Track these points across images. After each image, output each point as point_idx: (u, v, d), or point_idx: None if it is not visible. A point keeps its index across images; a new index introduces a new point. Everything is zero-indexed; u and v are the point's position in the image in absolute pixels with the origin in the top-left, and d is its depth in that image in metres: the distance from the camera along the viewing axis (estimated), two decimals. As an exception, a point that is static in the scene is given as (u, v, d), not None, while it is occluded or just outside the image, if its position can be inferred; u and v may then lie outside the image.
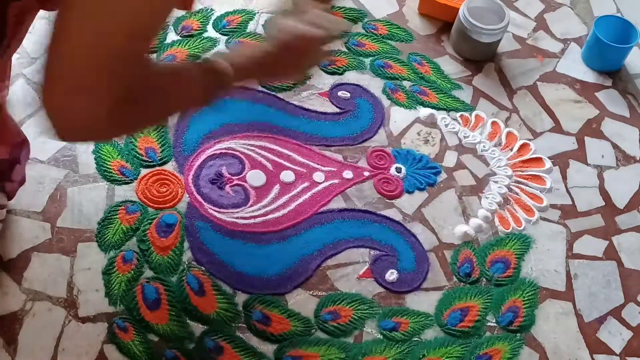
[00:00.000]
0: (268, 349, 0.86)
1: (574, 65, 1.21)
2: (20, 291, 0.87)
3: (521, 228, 1.00)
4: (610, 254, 0.99)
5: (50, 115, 0.63)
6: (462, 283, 0.94)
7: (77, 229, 0.92)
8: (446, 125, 1.09)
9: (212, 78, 0.76)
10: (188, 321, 0.87)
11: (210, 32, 1.16)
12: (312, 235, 0.96)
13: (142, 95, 0.68)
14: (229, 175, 1.00)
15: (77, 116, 0.63)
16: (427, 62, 1.17)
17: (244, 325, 0.87)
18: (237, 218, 0.96)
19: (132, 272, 0.89)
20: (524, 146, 1.09)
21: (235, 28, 1.17)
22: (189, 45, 1.14)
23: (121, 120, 0.66)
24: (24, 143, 0.87)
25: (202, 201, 0.97)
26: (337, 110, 1.09)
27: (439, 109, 1.11)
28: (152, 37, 0.66)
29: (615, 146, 1.11)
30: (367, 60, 1.16)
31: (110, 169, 0.98)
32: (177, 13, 1.18)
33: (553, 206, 1.03)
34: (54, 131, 0.64)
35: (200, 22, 1.17)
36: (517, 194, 1.04)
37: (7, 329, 0.84)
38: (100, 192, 0.96)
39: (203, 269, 0.91)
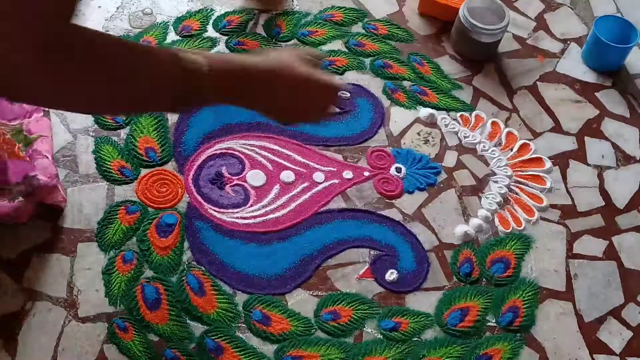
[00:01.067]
0: (268, 349, 0.86)
1: (574, 65, 1.21)
2: (20, 291, 0.87)
3: (521, 228, 1.00)
4: (610, 254, 0.99)
5: None
6: (462, 283, 0.94)
7: (77, 229, 0.92)
8: (446, 125, 1.09)
9: (184, 75, 0.65)
10: (188, 321, 0.87)
11: (210, 32, 1.16)
12: (312, 235, 0.96)
13: (81, 53, 0.61)
14: (229, 175, 1.00)
15: None
16: (427, 62, 1.17)
17: (244, 325, 0.87)
18: (237, 218, 0.96)
19: (132, 272, 0.89)
20: (524, 146, 1.09)
21: (235, 28, 1.17)
22: (189, 45, 1.14)
23: (56, 76, 0.59)
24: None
25: (202, 201, 0.97)
26: (337, 110, 1.09)
27: (439, 109, 1.11)
28: None
29: (615, 146, 1.11)
30: (367, 60, 1.16)
31: (110, 169, 0.98)
32: (177, 13, 1.19)
33: (553, 206, 1.03)
34: None
35: (200, 22, 1.17)
36: (517, 194, 1.04)
37: (7, 329, 0.84)
38: (100, 192, 0.96)
39: (203, 269, 0.91)
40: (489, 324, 0.91)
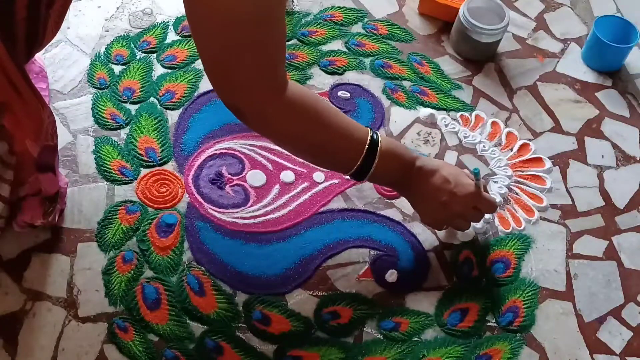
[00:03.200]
0: (268, 349, 0.86)
1: (574, 65, 1.21)
2: (20, 291, 0.87)
3: (521, 228, 1.00)
4: (610, 254, 0.99)
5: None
6: (462, 283, 0.94)
7: (77, 229, 0.92)
8: (446, 125, 1.09)
9: (368, 153, 0.81)
10: (188, 321, 0.87)
11: (210, 32, 1.16)
12: (312, 235, 0.96)
13: (292, 101, 0.75)
14: (229, 175, 1.00)
15: (225, 97, 0.73)
16: (427, 62, 1.17)
17: (244, 325, 0.87)
18: (237, 218, 0.96)
19: (132, 272, 0.89)
20: (524, 146, 1.09)
21: (235, 28, 1.17)
22: (189, 45, 1.14)
23: (267, 117, 0.75)
24: (55, 150, 0.86)
25: (202, 201, 0.97)
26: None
27: (439, 109, 1.11)
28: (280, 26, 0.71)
29: (615, 146, 1.11)
30: (367, 60, 1.16)
31: (110, 169, 0.98)
32: (177, 13, 1.19)
33: (553, 206, 1.03)
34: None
35: (200, 22, 1.17)
36: (517, 194, 1.04)
37: (7, 329, 0.84)
38: (100, 192, 0.96)
39: (203, 269, 0.91)
40: (489, 324, 0.91)
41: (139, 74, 1.09)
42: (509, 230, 0.99)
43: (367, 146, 0.81)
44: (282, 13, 0.71)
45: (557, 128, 1.12)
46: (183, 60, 1.12)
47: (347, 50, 1.17)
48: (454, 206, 0.87)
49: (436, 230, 0.97)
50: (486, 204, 0.89)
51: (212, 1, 0.64)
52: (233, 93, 0.73)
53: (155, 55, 1.12)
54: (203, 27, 0.67)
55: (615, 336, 0.92)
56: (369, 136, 0.82)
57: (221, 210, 0.96)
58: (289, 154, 1.02)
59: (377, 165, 0.82)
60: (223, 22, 0.65)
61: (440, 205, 0.87)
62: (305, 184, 1.00)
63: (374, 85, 1.13)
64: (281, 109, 0.75)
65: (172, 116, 1.05)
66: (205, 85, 1.09)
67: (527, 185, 1.05)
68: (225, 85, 0.72)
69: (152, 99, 1.07)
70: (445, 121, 1.10)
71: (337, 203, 0.99)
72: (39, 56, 1.06)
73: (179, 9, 1.19)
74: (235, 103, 0.74)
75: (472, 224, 0.98)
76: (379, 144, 0.82)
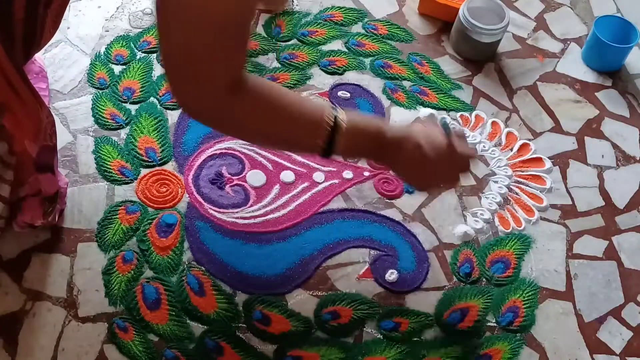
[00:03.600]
0: (268, 349, 0.86)
1: (574, 65, 1.21)
2: (20, 291, 0.87)
3: (521, 228, 1.00)
4: (610, 254, 0.99)
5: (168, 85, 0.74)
6: (462, 283, 0.94)
7: (77, 229, 0.92)
8: (446, 125, 1.09)
9: (327, 133, 0.78)
10: (188, 321, 0.87)
11: (210, 32, 1.16)
12: (312, 235, 0.96)
13: (249, 101, 0.74)
14: (229, 175, 1.00)
15: (182, 96, 0.72)
16: (427, 62, 1.17)
17: (244, 325, 0.87)
18: (237, 218, 0.96)
19: (132, 272, 0.89)
20: (524, 146, 1.09)
21: (235, 28, 1.17)
22: (189, 45, 1.13)
23: (226, 113, 0.74)
24: (54, 150, 0.86)
25: (202, 201, 0.97)
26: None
27: (439, 109, 1.11)
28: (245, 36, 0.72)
29: (615, 146, 1.11)
30: (367, 60, 1.16)
31: (110, 169, 0.98)
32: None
33: (553, 206, 1.03)
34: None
35: (200, 22, 1.17)
36: (517, 194, 1.04)
37: (7, 329, 0.84)
38: (100, 192, 0.96)
39: (203, 269, 0.91)
40: (489, 324, 0.91)
41: (139, 74, 1.09)
42: (509, 230, 0.99)
43: (329, 128, 0.78)
44: (250, 19, 0.72)
45: (557, 128, 1.12)
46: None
47: (347, 50, 1.17)
48: (434, 169, 0.84)
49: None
50: (462, 156, 0.85)
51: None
52: (193, 92, 0.71)
53: (155, 55, 1.12)
54: (174, 23, 0.66)
55: (615, 336, 0.92)
56: (331, 116, 0.79)
57: (221, 210, 0.96)
58: (289, 154, 1.02)
59: (345, 143, 0.79)
60: (197, 20, 0.65)
61: (421, 171, 0.84)
62: (305, 184, 1.00)
63: (374, 85, 1.13)
64: (240, 105, 0.74)
65: (172, 116, 1.05)
66: (205, 85, 1.08)
67: (527, 185, 1.05)
68: (186, 84, 0.71)
69: (152, 99, 1.07)
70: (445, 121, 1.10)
71: (337, 203, 0.99)
72: (39, 56, 1.06)
73: (179, 9, 1.19)
74: (193, 102, 0.73)
75: (472, 225, 0.99)
76: (341, 122, 0.79)
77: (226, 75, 0.71)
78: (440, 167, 0.84)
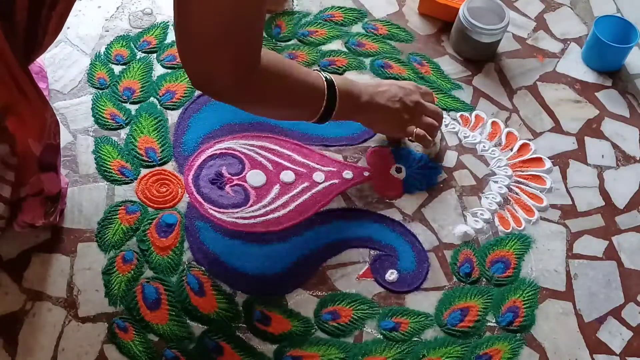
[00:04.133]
0: (268, 349, 0.86)
1: (574, 65, 1.21)
2: (20, 291, 0.87)
3: (521, 228, 1.00)
4: (610, 254, 0.99)
5: (183, 65, 0.77)
6: (462, 283, 0.94)
7: (77, 229, 0.92)
8: (446, 125, 1.09)
9: (327, 97, 0.89)
10: (188, 321, 0.87)
11: (210, 32, 1.16)
12: (312, 235, 0.96)
13: (266, 71, 0.79)
14: (229, 175, 1.00)
15: (201, 74, 0.76)
16: (427, 62, 1.17)
17: (244, 325, 0.87)
18: (237, 218, 0.96)
19: (132, 272, 0.89)
20: (524, 146, 1.09)
21: (235, 28, 1.17)
22: (189, 45, 1.13)
23: (247, 90, 0.79)
24: (57, 149, 0.86)
25: (202, 201, 0.97)
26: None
27: (439, 109, 1.11)
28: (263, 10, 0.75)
29: (615, 146, 1.11)
30: (367, 60, 1.16)
31: (110, 169, 0.98)
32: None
33: (553, 206, 1.03)
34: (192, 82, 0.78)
35: (200, 22, 1.17)
36: (517, 194, 1.04)
37: (7, 329, 0.84)
38: (100, 192, 0.96)
39: (203, 269, 0.91)
40: (489, 324, 0.91)
41: (139, 74, 1.09)
42: (509, 230, 0.99)
43: (326, 90, 0.89)
44: None
45: (557, 128, 1.12)
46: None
47: (347, 50, 1.17)
48: (407, 106, 0.98)
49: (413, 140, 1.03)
50: (434, 108, 1.02)
51: None
52: (211, 69, 0.74)
53: (155, 55, 1.12)
54: (194, 4, 0.69)
55: (615, 336, 0.92)
56: (324, 80, 0.89)
57: (221, 210, 0.96)
58: (289, 153, 1.02)
59: (339, 103, 0.90)
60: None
61: (395, 112, 0.98)
62: (305, 184, 1.00)
63: (374, 85, 1.13)
64: (256, 80, 0.79)
65: (172, 116, 1.05)
66: (205, 85, 1.08)
67: (527, 185, 1.05)
68: (205, 60, 0.73)
69: (152, 99, 1.07)
70: (445, 121, 1.10)
71: (337, 203, 0.99)
72: (39, 56, 1.06)
73: (179, 9, 1.19)
74: (212, 77, 0.76)
75: (472, 225, 0.99)
76: (335, 84, 0.90)
77: (255, 46, 0.75)
78: (415, 109, 0.99)
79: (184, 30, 0.73)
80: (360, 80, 1.13)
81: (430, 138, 1.00)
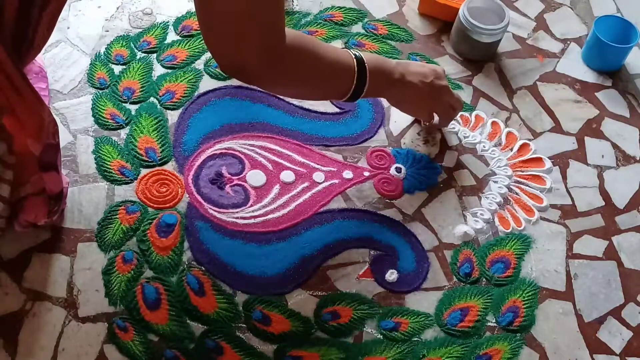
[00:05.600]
0: (268, 349, 0.86)
1: (574, 65, 1.21)
2: (20, 291, 0.87)
3: (521, 228, 1.00)
4: (610, 254, 0.99)
5: (212, 54, 0.78)
6: (462, 283, 0.94)
7: (77, 229, 0.92)
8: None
9: (359, 71, 0.89)
10: (188, 321, 0.87)
11: (210, 32, 1.16)
12: (312, 235, 0.96)
13: (293, 48, 0.80)
14: (229, 175, 1.00)
15: (230, 60, 0.77)
16: (427, 62, 1.17)
17: (244, 325, 0.87)
18: (237, 218, 0.96)
19: (132, 272, 0.89)
20: (524, 146, 1.09)
21: (235, 28, 1.17)
22: (189, 45, 1.14)
23: (277, 69, 0.79)
24: (57, 148, 0.86)
25: (202, 201, 0.97)
26: (337, 110, 1.09)
27: (439, 109, 1.11)
28: None
29: (615, 146, 1.11)
30: (367, 60, 1.16)
31: (110, 169, 0.98)
32: (177, 13, 1.19)
33: (553, 206, 1.03)
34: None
35: (200, 22, 1.17)
36: (517, 194, 1.04)
37: (7, 329, 0.84)
38: (100, 192, 0.96)
39: (203, 269, 0.91)
40: (489, 324, 0.91)
41: (139, 74, 1.09)
42: (509, 230, 0.99)
43: (355, 67, 0.88)
44: None
45: (557, 128, 1.12)
46: (183, 60, 1.12)
47: (347, 50, 1.17)
48: (437, 92, 0.99)
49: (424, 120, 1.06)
50: (457, 97, 1.04)
51: None
52: (239, 53, 0.75)
53: (155, 55, 1.12)
54: None
55: (615, 336, 0.92)
56: (352, 56, 0.89)
57: (221, 210, 0.96)
58: (289, 153, 1.02)
59: (369, 79, 0.90)
60: None
61: (424, 92, 0.98)
62: (305, 184, 1.00)
63: (374, 85, 1.13)
64: (284, 58, 0.79)
65: (172, 116, 1.05)
66: (205, 85, 1.09)
67: (527, 185, 1.05)
68: (231, 46, 0.74)
69: (152, 99, 1.07)
70: (445, 121, 1.10)
71: (337, 203, 0.99)
72: (38, 56, 1.05)
73: (179, 9, 1.19)
74: (240, 61, 0.76)
75: (472, 225, 0.99)
76: (365, 61, 0.90)
77: (278, 26, 0.76)
78: (442, 92, 0.99)
79: (207, 23, 0.74)
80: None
81: (449, 119, 1.04)
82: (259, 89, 1.08)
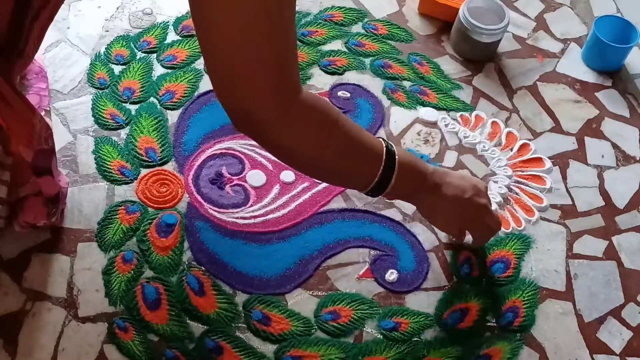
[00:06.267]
0: (268, 349, 0.86)
1: (574, 65, 1.21)
2: (20, 291, 0.87)
3: (521, 228, 1.00)
4: (610, 254, 0.99)
5: (217, 95, 0.68)
6: (462, 283, 0.94)
7: (77, 229, 0.92)
8: (446, 125, 1.09)
9: (387, 163, 0.77)
10: (188, 321, 0.87)
11: (210, 32, 1.16)
12: (312, 235, 0.96)
13: (309, 102, 0.70)
14: (229, 175, 1.00)
15: (236, 104, 0.67)
16: (427, 62, 1.17)
17: (244, 325, 0.87)
18: (237, 218, 0.96)
19: (132, 272, 0.89)
20: (524, 146, 1.09)
21: (235, 28, 1.17)
22: (189, 45, 1.14)
23: (289, 119, 0.68)
24: (51, 153, 0.85)
25: (202, 201, 0.97)
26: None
27: (439, 108, 1.11)
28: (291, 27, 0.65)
29: (615, 146, 1.11)
30: (367, 60, 1.16)
31: (110, 169, 0.98)
32: (177, 13, 1.19)
33: (553, 206, 1.03)
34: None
35: (200, 22, 1.17)
36: (517, 194, 1.04)
37: (7, 329, 0.84)
38: (100, 192, 0.96)
39: (203, 269, 0.91)
40: (489, 324, 0.91)
41: (139, 74, 1.09)
42: (509, 230, 0.99)
43: (384, 157, 0.77)
44: (292, 11, 0.65)
45: (557, 128, 1.12)
46: (183, 60, 1.12)
47: (347, 50, 1.17)
48: (476, 212, 0.88)
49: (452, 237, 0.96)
50: (496, 215, 0.92)
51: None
52: (245, 97, 0.66)
53: (155, 55, 1.12)
54: (213, 24, 0.62)
55: (615, 336, 0.92)
56: (384, 146, 0.78)
57: (221, 210, 0.96)
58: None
59: (396, 176, 0.78)
60: (232, 13, 0.61)
61: (460, 209, 0.87)
62: (305, 184, 1.00)
63: (374, 85, 1.13)
64: (297, 112, 0.69)
65: (172, 116, 1.05)
66: (205, 85, 1.09)
67: (527, 185, 1.05)
68: (237, 89, 0.66)
69: (152, 99, 1.07)
70: (445, 121, 1.10)
71: (337, 203, 0.99)
72: (38, 56, 1.06)
73: (179, 9, 1.19)
74: (247, 108, 0.67)
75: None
76: (396, 154, 0.78)
77: (283, 72, 0.66)
78: (480, 211, 0.88)
79: (212, 68, 0.66)
80: (360, 79, 1.13)
81: (484, 241, 0.94)
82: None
